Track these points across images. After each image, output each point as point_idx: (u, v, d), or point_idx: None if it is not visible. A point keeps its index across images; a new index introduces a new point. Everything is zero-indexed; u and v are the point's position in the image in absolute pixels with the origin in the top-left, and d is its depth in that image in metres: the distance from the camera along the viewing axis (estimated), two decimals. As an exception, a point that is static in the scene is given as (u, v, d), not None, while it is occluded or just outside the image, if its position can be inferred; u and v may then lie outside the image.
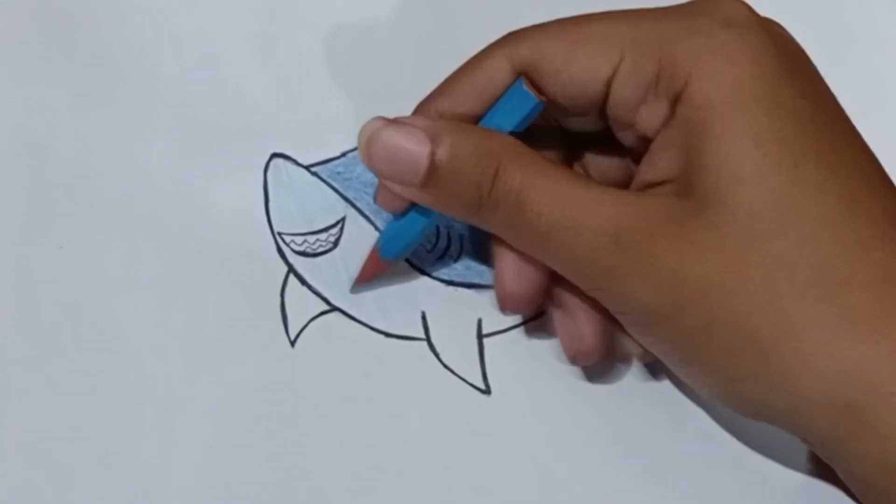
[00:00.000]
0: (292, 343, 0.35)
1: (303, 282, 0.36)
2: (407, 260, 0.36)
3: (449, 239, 0.36)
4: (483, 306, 0.36)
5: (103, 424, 0.34)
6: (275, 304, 0.36)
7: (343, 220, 0.36)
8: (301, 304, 0.36)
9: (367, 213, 0.36)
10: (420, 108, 0.33)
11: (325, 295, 0.36)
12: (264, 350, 0.35)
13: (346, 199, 0.36)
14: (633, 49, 0.30)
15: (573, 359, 0.33)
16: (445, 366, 0.35)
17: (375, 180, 0.34)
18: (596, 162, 0.34)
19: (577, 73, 0.30)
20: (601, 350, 0.33)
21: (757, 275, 0.27)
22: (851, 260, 0.27)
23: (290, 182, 0.37)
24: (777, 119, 0.28)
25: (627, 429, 0.35)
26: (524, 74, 0.31)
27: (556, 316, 0.33)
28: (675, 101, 0.29)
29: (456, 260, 0.36)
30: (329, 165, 0.37)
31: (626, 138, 0.32)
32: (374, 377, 0.35)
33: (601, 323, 0.32)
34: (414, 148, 0.30)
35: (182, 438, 0.34)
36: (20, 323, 0.35)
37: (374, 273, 0.35)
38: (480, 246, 0.36)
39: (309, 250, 0.36)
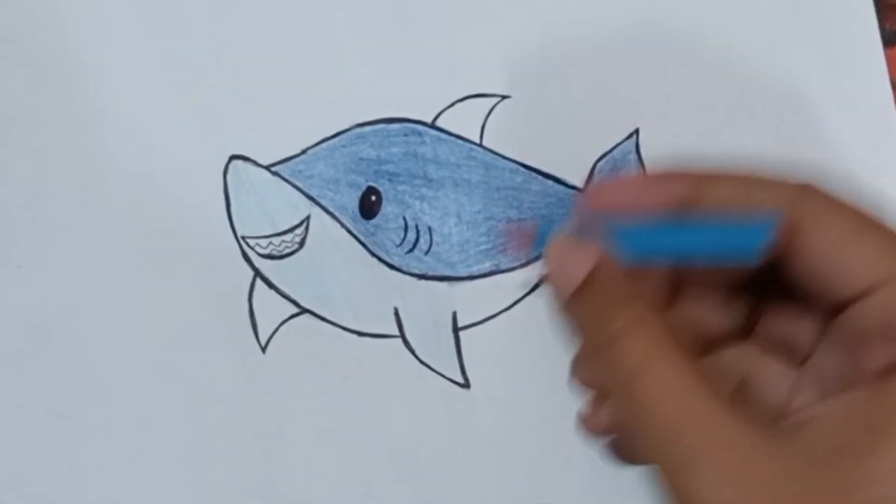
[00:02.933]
0: (263, 349, 0.34)
1: (270, 285, 0.35)
2: (375, 255, 0.35)
3: (418, 231, 0.35)
4: (457, 299, 0.35)
5: (74, 438, 0.34)
6: (243, 310, 0.35)
7: (308, 218, 0.35)
8: (270, 308, 0.35)
9: (331, 209, 0.35)
10: None
11: (294, 297, 0.35)
12: (235, 358, 0.34)
13: (310, 197, 0.35)
14: None
15: (581, 428, 0.30)
16: (422, 362, 0.34)
17: (337, 176, 0.33)
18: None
19: (850, 263, 0.26)
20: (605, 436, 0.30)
21: None
22: None
23: (251, 184, 0.36)
24: None
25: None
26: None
27: (589, 396, 0.30)
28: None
29: (426, 253, 0.35)
30: (290, 164, 0.36)
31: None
32: (350, 378, 0.34)
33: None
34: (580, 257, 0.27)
35: (156, 452, 0.34)
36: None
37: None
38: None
39: (275, 252, 0.35)
